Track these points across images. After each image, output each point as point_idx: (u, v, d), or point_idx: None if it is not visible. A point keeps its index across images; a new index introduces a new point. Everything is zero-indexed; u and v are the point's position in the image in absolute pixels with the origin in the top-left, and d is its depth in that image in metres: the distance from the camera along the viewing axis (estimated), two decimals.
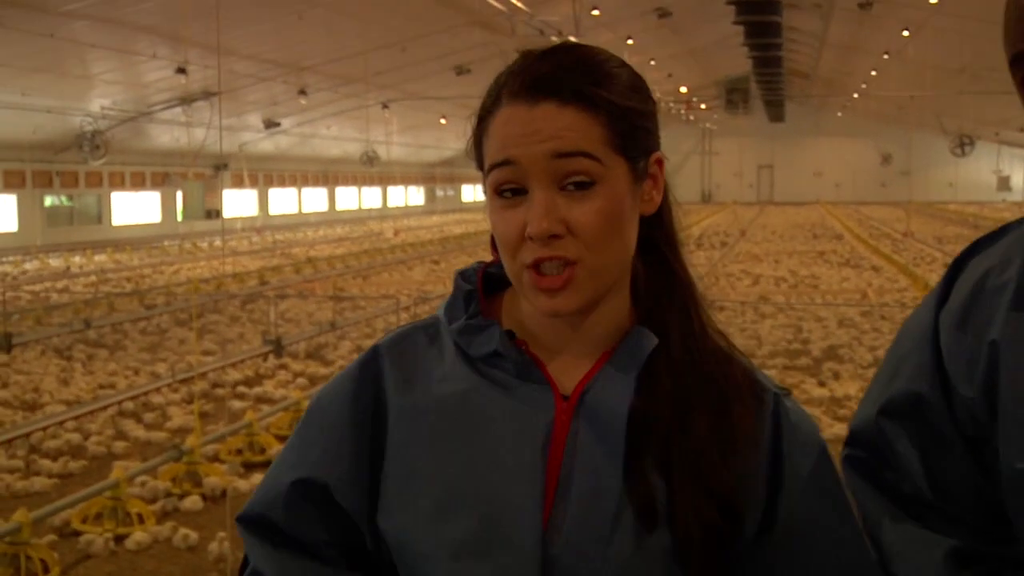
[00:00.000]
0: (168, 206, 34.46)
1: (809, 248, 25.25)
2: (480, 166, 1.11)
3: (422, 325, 1.18)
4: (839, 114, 55.24)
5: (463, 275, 1.17)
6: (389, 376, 1.14)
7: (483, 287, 1.17)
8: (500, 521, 1.05)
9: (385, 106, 32.59)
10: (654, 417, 1.08)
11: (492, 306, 1.17)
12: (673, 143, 60.33)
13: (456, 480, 1.08)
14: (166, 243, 29.41)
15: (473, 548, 1.05)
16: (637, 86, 1.10)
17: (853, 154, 59.61)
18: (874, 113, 50.43)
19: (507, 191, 1.06)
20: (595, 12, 25.10)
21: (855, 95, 44.31)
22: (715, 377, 1.11)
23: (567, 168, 1.04)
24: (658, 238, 1.15)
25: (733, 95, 51.12)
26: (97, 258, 24.83)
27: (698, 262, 21.82)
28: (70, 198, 30.80)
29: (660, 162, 1.13)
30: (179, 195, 34.58)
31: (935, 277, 17.41)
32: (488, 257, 1.19)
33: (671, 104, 49.24)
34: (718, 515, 1.06)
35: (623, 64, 1.10)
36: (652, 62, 37.19)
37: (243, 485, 6.47)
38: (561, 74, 1.06)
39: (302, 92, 29.26)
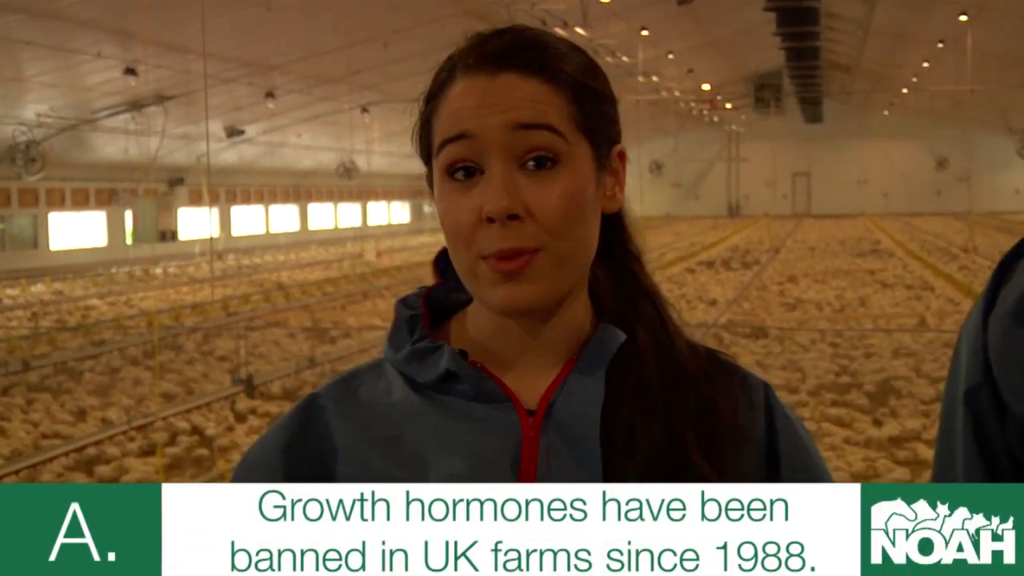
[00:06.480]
0: (115, 227, 34.53)
1: (855, 267, 25.32)
2: (426, 154, 1.14)
3: (365, 365, 1.21)
4: (886, 112, 55.45)
5: (404, 302, 1.20)
6: (332, 418, 1.15)
7: (428, 315, 1.19)
8: None
9: (365, 109, 32.73)
10: (627, 416, 1.11)
11: (439, 333, 1.19)
12: (695, 148, 60.71)
13: None
14: (114, 270, 29.45)
15: None
16: (596, 69, 1.15)
17: (903, 158, 59.85)
18: (927, 111, 50.63)
19: (459, 171, 1.09)
20: None
21: (904, 90, 44.52)
22: (690, 369, 1.15)
23: (529, 142, 1.08)
24: (617, 243, 1.19)
25: (763, 92, 51.38)
26: (33, 288, 24.85)
27: (727, 281, 21.86)
28: (0, 219, 30.88)
29: (623, 155, 1.17)
30: (128, 215, 34.67)
31: None
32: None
33: (692, 104, 49.48)
34: None
35: (579, 48, 1.16)
36: (670, 55, 37.37)
37: None
38: (523, 47, 1.11)
39: (269, 95, 29.39)
